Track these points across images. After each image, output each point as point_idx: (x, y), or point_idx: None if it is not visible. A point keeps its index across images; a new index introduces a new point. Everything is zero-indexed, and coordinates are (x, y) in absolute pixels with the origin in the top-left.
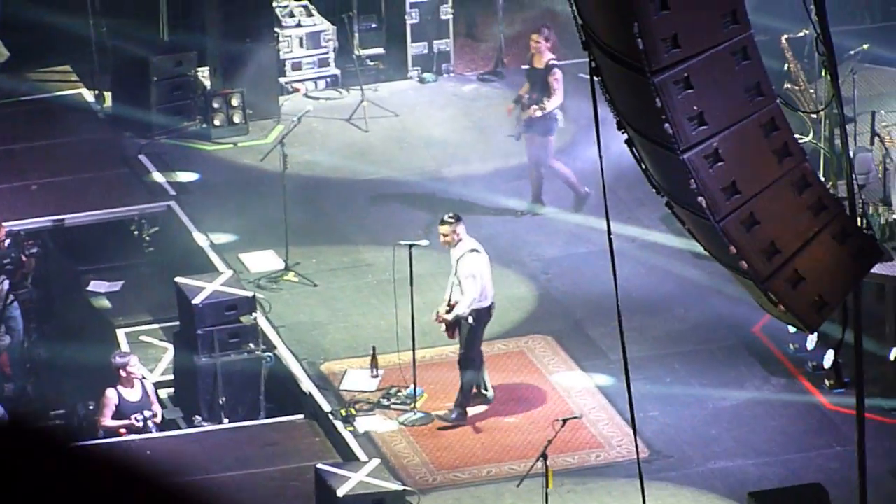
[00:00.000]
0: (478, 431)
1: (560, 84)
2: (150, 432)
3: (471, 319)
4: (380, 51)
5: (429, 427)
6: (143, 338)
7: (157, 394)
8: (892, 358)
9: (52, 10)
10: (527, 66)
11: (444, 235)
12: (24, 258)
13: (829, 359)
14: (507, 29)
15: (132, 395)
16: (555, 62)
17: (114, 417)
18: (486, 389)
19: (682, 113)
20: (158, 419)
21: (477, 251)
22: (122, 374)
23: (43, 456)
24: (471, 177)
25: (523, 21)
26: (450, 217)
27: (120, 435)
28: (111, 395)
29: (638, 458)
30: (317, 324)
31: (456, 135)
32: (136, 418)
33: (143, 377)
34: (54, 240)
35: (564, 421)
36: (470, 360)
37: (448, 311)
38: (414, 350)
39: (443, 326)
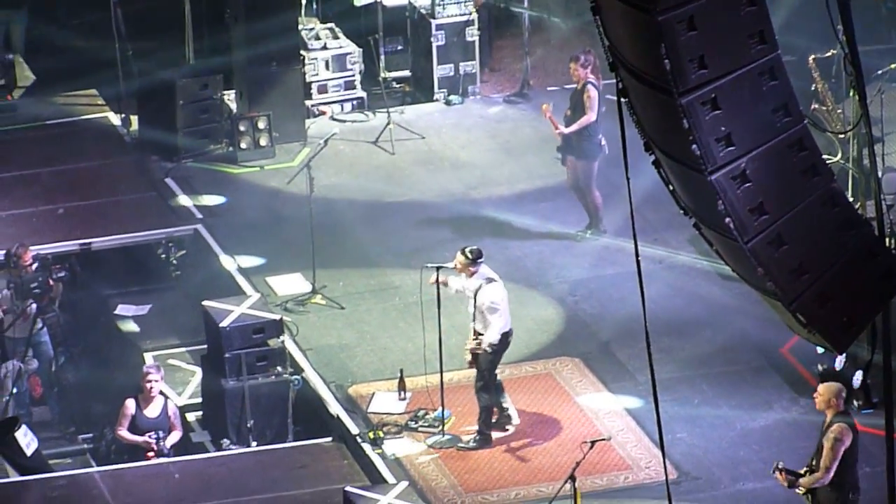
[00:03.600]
0: (506, 454)
1: (593, 102)
2: (164, 453)
3: (488, 348)
4: (406, 73)
5: (457, 449)
6: (170, 361)
7: (181, 416)
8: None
9: (77, 33)
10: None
11: (459, 265)
12: (51, 282)
13: (857, 379)
14: (533, 50)
15: (151, 410)
16: (591, 81)
17: (131, 431)
18: (510, 412)
19: (710, 134)
20: (170, 442)
21: (494, 280)
22: (144, 385)
23: None
24: (498, 199)
25: (549, 42)
26: (470, 252)
27: (145, 456)
28: (129, 404)
29: (667, 479)
30: (344, 346)
31: (482, 157)
32: (149, 435)
33: (167, 397)
34: (81, 264)
35: (593, 443)
36: (486, 387)
37: (477, 344)
38: (441, 372)
39: (468, 357)
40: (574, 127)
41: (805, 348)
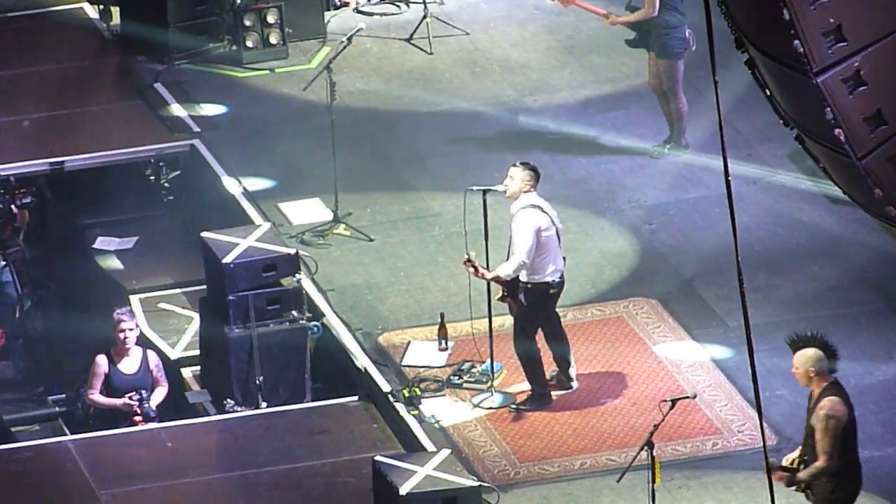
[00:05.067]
0: (569, 416)
1: None
2: (150, 416)
3: (522, 296)
4: None
5: (509, 410)
6: (162, 305)
7: (163, 368)
8: None
9: None
10: None
11: (513, 179)
12: (14, 210)
13: None
14: None
15: (128, 365)
16: None
17: (105, 393)
18: (571, 373)
19: (816, 26)
20: (156, 401)
21: (539, 208)
22: (117, 335)
23: None
24: (557, 107)
25: None
26: (525, 164)
27: (132, 421)
28: (100, 361)
29: (765, 447)
30: (373, 286)
31: (539, 57)
32: (129, 396)
33: (147, 347)
34: (52, 187)
35: (674, 402)
36: (517, 336)
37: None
38: (490, 317)
39: (498, 293)
40: (631, 18)
41: None
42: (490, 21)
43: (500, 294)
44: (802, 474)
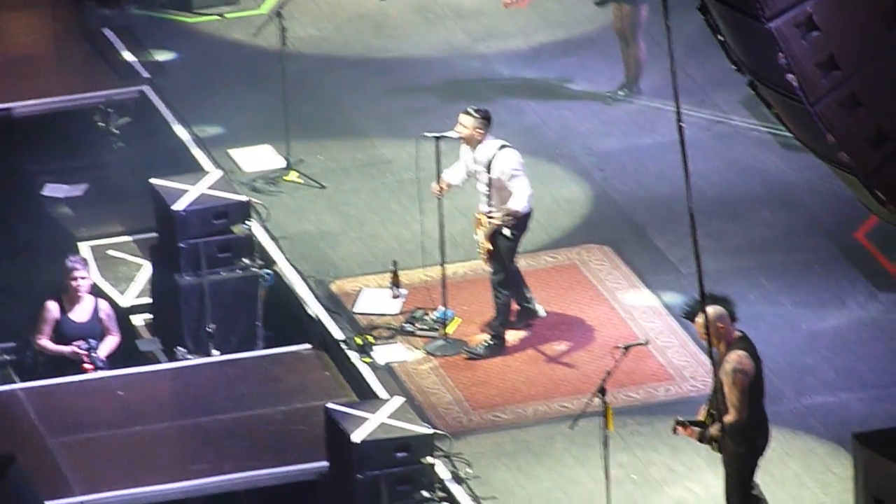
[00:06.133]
0: (522, 363)
1: None
2: (99, 365)
3: (508, 232)
4: None
5: (462, 357)
6: (112, 252)
7: (115, 319)
8: None
9: None
10: None
11: (465, 128)
12: None
13: None
14: None
15: (78, 313)
16: None
17: (55, 340)
18: (533, 305)
19: None
20: (105, 351)
21: (508, 146)
22: (69, 283)
23: None
24: (510, 53)
25: None
26: (477, 111)
27: (81, 369)
28: (51, 307)
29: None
30: (325, 234)
31: (491, 3)
32: (78, 344)
33: (98, 296)
34: None
35: (627, 348)
36: (506, 281)
37: (500, 217)
38: (443, 264)
39: (480, 237)
40: None
41: (887, 232)
42: None
43: (485, 256)
44: (713, 429)
